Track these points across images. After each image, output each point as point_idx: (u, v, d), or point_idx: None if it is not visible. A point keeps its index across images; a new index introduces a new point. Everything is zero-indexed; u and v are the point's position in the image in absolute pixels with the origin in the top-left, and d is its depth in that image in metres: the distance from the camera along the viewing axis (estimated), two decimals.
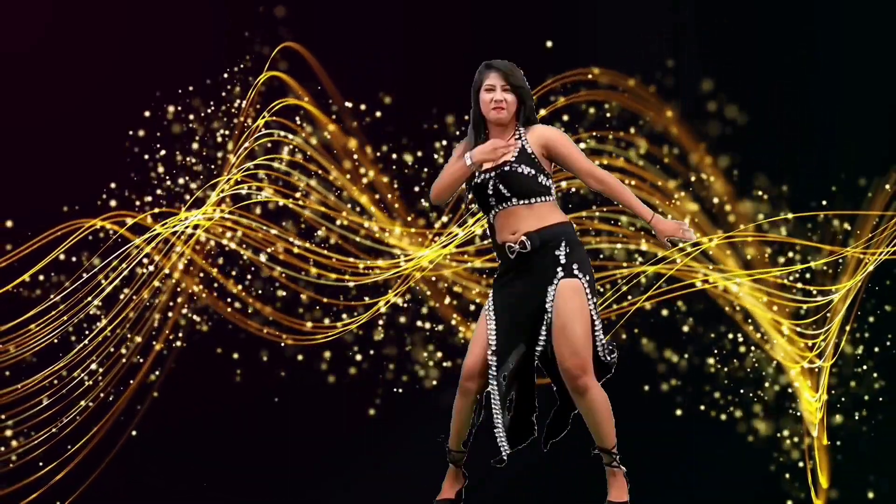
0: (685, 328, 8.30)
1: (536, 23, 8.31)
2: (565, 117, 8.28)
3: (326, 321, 8.26)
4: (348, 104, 8.24)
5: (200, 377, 8.26)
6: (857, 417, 8.12)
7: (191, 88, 8.24)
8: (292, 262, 8.19)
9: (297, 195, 8.16)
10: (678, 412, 8.29)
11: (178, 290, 8.11)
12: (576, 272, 5.44)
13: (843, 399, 8.12)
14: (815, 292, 7.95)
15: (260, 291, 8.22)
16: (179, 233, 8.00)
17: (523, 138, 5.53)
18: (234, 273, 8.23)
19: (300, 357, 8.34)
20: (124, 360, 8.00)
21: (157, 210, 8.11)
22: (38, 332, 7.86)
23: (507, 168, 5.48)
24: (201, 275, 8.14)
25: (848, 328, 7.94)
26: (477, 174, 5.51)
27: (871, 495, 8.05)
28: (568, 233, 5.50)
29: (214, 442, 8.23)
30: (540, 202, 5.48)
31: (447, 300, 8.27)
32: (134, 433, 8.09)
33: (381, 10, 8.31)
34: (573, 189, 8.25)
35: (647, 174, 8.23)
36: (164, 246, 7.99)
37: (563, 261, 5.47)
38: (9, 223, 8.09)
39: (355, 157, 8.20)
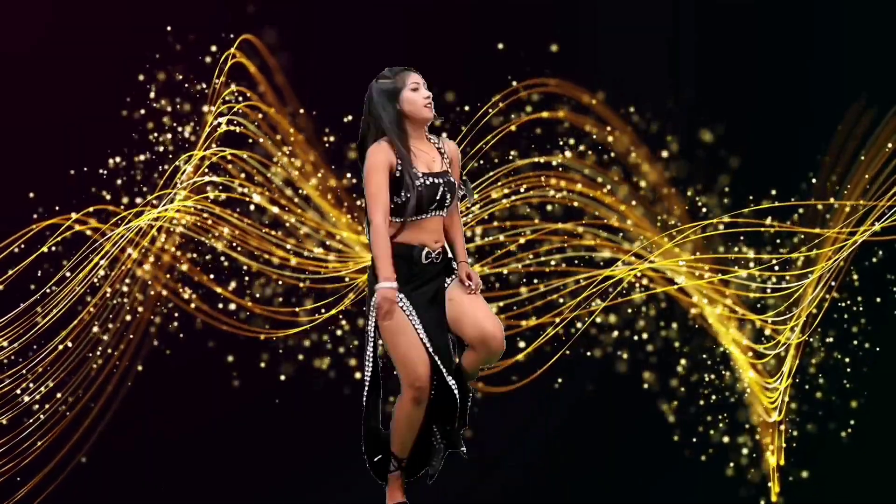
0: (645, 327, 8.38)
1: (537, 27, 8.35)
2: (566, 124, 8.31)
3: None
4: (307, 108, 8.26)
5: (190, 380, 8.25)
6: (820, 397, 8.19)
7: (178, 95, 8.26)
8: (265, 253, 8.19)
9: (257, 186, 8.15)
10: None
11: (148, 287, 8.10)
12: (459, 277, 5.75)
13: (808, 380, 8.19)
14: (786, 278, 8.04)
15: (226, 280, 8.22)
16: (145, 229, 7.99)
17: (441, 147, 5.73)
18: (207, 266, 8.24)
19: (300, 356, 8.34)
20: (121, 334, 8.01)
21: (129, 209, 8.12)
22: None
23: (451, 179, 5.66)
24: (173, 270, 8.14)
25: (822, 309, 8.01)
26: (425, 178, 5.58)
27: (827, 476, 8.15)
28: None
29: (210, 444, 8.22)
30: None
31: None
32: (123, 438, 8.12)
33: (381, 11, 8.34)
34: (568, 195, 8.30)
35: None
36: (133, 242, 7.98)
37: (454, 266, 5.73)
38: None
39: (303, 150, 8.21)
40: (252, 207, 8.14)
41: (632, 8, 8.35)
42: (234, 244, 8.13)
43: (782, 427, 8.03)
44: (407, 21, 8.28)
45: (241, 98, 8.11)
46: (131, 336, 8.03)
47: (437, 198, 5.60)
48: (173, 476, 8.18)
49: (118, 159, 8.17)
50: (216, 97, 8.09)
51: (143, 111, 8.18)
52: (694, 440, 8.22)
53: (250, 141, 8.14)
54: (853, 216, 7.96)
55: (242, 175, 8.13)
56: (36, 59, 8.12)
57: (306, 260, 8.14)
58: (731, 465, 8.20)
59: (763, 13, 8.32)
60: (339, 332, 8.32)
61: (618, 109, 8.29)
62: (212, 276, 8.19)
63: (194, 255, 8.15)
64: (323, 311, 8.14)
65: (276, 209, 8.10)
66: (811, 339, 8.09)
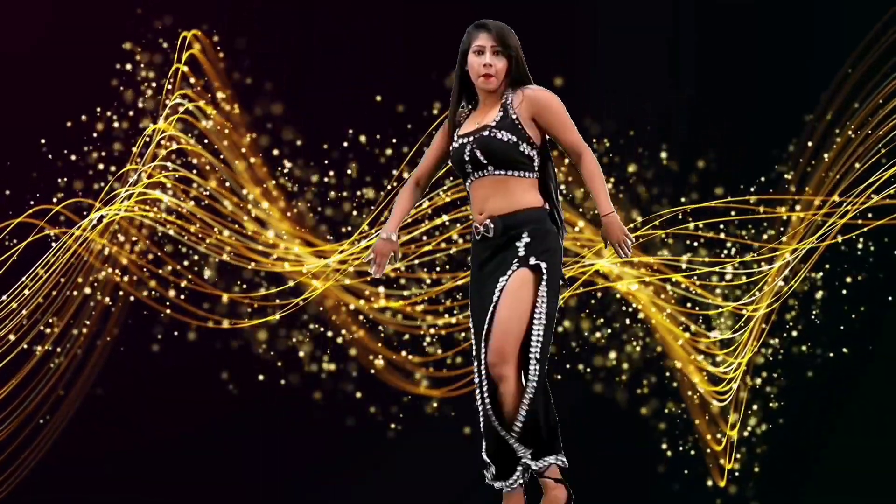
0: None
1: (537, 27, 8.36)
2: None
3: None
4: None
5: (179, 385, 8.26)
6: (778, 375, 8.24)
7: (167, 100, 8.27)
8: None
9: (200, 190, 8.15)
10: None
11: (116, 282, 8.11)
12: (532, 262, 4.97)
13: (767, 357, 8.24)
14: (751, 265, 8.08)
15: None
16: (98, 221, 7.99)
17: (508, 101, 5.08)
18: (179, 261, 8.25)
19: (301, 354, 8.34)
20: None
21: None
22: None
23: (485, 133, 5.05)
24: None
25: (785, 292, 8.05)
26: (455, 138, 5.13)
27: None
28: (535, 219, 5.03)
29: (207, 445, 8.23)
30: (517, 176, 5.04)
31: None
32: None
33: (378, 16, 8.36)
34: None
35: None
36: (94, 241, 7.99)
37: (521, 252, 5.00)
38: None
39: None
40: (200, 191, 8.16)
41: (632, 8, 8.36)
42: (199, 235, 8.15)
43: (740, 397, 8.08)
44: (406, 19, 8.30)
45: (194, 89, 8.13)
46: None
47: (467, 159, 5.04)
48: (165, 481, 8.22)
49: (102, 150, 8.21)
50: (175, 89, 8.11)
51: (135, 105, 8.22)
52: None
53: (199, 130, 8.15)
54: (822, 207, 8.00)
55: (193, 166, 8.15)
56: (36, 58, 8.14)
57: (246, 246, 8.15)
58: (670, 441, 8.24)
59: (763, 13, 8.33)
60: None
61: (620, 112, 8.32)
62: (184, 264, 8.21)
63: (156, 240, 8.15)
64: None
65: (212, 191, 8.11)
66: (775, 313, 8.14)
